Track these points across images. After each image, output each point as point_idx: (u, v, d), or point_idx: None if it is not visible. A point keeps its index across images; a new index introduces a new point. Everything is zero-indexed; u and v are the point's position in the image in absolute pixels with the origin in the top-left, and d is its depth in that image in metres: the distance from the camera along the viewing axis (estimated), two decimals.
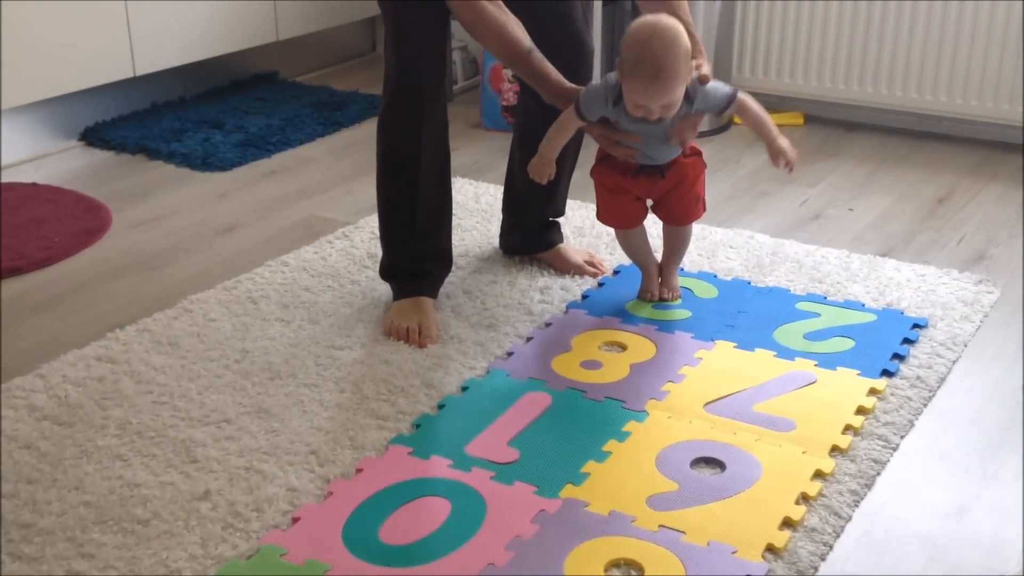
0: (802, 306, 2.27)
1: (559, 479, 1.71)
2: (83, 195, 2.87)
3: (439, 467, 1.74)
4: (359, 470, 1.74)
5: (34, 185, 2.94)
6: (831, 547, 1.58)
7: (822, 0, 3.31)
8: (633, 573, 1.53)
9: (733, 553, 1.55)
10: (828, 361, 2.05)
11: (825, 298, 2.30)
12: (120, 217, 2.77)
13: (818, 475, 1.73)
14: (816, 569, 1.54)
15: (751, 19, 3.43)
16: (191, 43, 3.45)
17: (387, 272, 2.27)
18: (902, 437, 1.84)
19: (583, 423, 1.86)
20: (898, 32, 3.24)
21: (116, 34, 3.21)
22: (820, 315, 2.22)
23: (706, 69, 2.03)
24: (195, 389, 1.97)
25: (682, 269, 2.44)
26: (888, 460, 1.78)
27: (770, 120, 2.07)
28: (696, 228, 2.66)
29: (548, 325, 2.19)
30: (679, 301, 2.26)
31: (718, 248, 2.55)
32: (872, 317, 2.21)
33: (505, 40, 2.00)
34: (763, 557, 1.55)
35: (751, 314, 2.23)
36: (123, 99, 3.43)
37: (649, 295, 2.27)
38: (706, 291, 2.34)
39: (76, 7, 3.08)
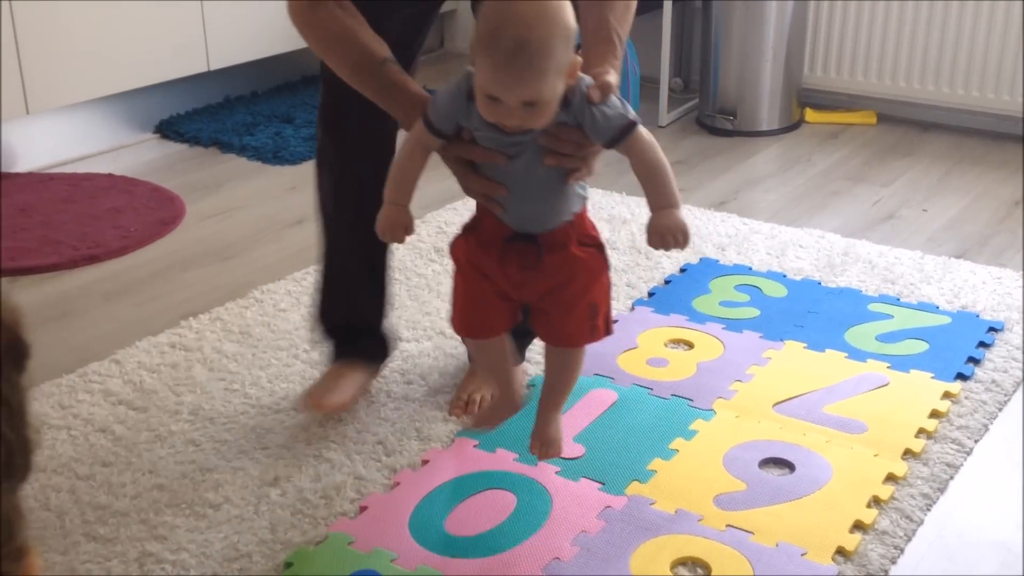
0: (874, 307, 2.23)
1: (625, 476, 1.71)
2: (158, 186, 2.93)
3: (505, 460, 1.75)
4: (425, 461, 1.75)
5: (110, 176, 3.00)
6: (902, 551, 1.56)
7: None
8: (700, 572, 1.52)
9: (802, 555, 1.53)
10: (901, 363, 2.01)
11: (898, 300, 2.26)
12: (193, 208, 2.81)
13: (890, 478, 1.70)
14: (887, 572, 1.52)
15: (824, 17, 3.38)
16: (263, 39, 3.49)
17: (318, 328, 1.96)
18: (976, 441, 1.81)
19: (649, 420, 1.85)
20: (975, 31, 3.17)
21: (191, 30, 3.27)
22: (893, 317, 2.18)
23: (612, 78, 1.38)
24: (265, 377, 2.00)
25: (749, 268, 2.42)
26: (962, 464, 1.75)
27: (670, 175, 1.39)
28: (765, 227, 2.64)
29: (614, 322, 2.18)
30: (558, 454, 1.61)
31: (788, 247, 2.51)
32: (946, 320, 2.17)
33: (352, 47, 1.52)
34: (833, 559, 1.53)
35: (822, 314, 2.20)
36: (197, 93, 3.49)
37: (473, 419, 1.66)
38: (775, 290, 2.31)
39: (154, 3, 3.14)
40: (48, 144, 3.10)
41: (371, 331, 1.93)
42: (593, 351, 2.04)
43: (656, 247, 1.39)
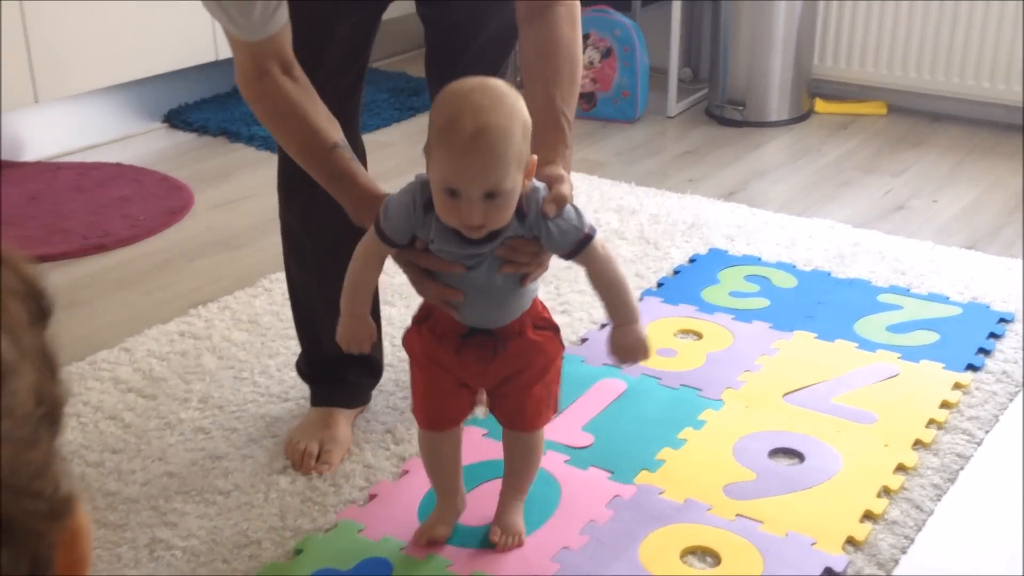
0: (884, 298, 2.22)
1: (634, 465, 1.70)
2: (166, 175, 2.93)
3: None
4: None
5: (119, 165, 3.00)
6: (912, 540, 1.56)
7: None
8: (709, 561, 1.52)
9: (812, 544, 1.53)
10: (912, 354, 2.01)
11: (908, 290, 2.26)
12: (202, 197, 2.81)
13: (900, 468, 1.70)
14: (897, 562, 1.51)
15: (834, 8, 3.37)
16: None
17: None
18: (987, 432, 1.80)
19: (658, 410, 1.85)
20: (986, 22, 3.15)
21: (200, 19, 3.25)
22: (903, 307, 2.18)
23: (565, 188, 1.35)
24: (274, 366, 2.00)
25: (759, 258, 2.41)
26: (972, 455, 1.74)
27: (627, 289, 1.40)
28: (775, 217, 2.63)
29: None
30: (520, 545, 1.53)
31: (797, 238, 2.51)
32: (957, 310, 2.16)
33: (302, 127, 1.44)
34: (843, 549, 1.52)
35: (831, 305, 2.20)
36: (206, 82, 3.48)
37: (426, 536, 1.53)
38: (785, 281, 2.30)
39: None
40: (57, 133, 3.10)
41: (364, 359, 1.79)
42: (602, 341, 2.04)
43: (620, 361, 1.43)
